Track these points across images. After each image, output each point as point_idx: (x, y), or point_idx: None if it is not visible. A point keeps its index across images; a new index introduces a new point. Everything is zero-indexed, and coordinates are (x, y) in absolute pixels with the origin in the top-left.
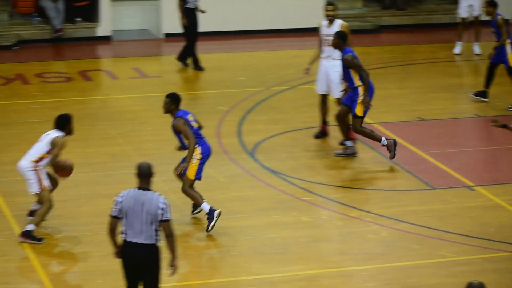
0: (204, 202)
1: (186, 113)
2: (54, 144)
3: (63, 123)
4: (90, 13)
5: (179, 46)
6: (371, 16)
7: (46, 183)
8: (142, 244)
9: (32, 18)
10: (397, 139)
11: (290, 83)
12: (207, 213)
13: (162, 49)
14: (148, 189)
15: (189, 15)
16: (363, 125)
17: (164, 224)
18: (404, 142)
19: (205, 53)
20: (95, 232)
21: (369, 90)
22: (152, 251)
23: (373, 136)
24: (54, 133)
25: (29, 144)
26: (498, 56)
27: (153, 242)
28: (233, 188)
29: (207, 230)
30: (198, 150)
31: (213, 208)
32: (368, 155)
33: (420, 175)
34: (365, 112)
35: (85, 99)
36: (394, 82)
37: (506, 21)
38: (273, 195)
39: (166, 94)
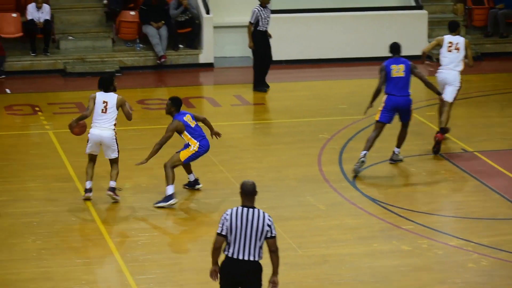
0: (171, 185)
1: (184, 114)
2: (120, 104)
3: (108, 83)
4: (193, 40)
5: (281, 73)
6: (473, 44)
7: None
8: (247, 260)
9: (135, 44)
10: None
11: None
12: (166, 195)
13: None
14: (253, 207)
15: (260, 37)
16: None
17: (271, 241)
18: (506, 171)
19: (307, 81)
20: (196, 259)
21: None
22: (255, 267)
23: None
24: (111, 96)
25: (129, 171)
26: None
27: (257, 258)
28: (333, 216)
29: (154, 204)
30: (197, 144)
31: (174, 195)
32: (469, 183)
33: None
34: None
35: None
36: (495, 110)
37: None
38: (373, 223)
39: (256, 120)
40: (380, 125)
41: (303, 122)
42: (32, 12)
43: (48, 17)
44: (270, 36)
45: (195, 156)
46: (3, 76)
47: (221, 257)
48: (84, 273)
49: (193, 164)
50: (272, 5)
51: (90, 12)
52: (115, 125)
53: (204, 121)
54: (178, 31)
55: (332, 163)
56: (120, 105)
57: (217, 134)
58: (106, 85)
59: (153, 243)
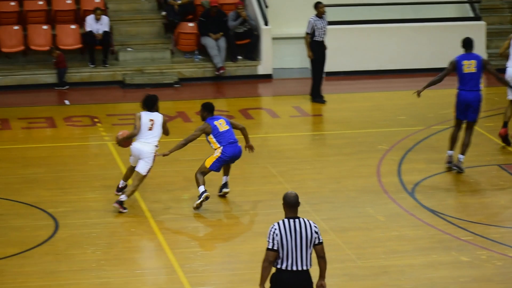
0: (202, 185)
1: (216, 119)
2: (165, 122)
3: (152, 102)
4: (251, 52)
5: (339, 84)
6: None
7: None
8: (301, 271)
9: (193, 56)
10: None
11: (450, 122)
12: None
13: (323, 88)
14: (298, 217)
15: (317, 48)
16: None
17: (319, 247)
18: None
19: (366, 92)
20: (255, 270)
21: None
22: (308, 276)
23: None
24: (157, 115)
25: (188, 181)
26: None
27: (309, 267)
28: (392, 227)
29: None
30: (220, 150)
31: (205, 191)
32: None
33: None
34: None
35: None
36: None
37: None
38: (432, 234)
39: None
40: (458, 121)
41: (362, 133)
42: (91, 23)
43: (107, 29)
44: (325, 47)
45: (218, 162)
46: (67, 87)
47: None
48: (143, 284)
49: (251, 175)
50: (331, 16)
51: (149, 24)
52: (157, 145)
53: (242, 130)
54: (237, 42)
55: (391, 174)
56: (163, 125)
57: (250, 148)
58: (151, 104)
59: (212, 254)
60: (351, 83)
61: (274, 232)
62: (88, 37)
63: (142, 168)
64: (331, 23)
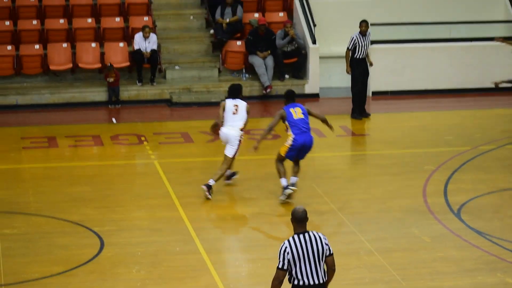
0: (283, 178)
1: (293, 106)
2: (248, 109)
3: (237, 91)
4: (299, 70)
5: (387, 104)
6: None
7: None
8: (318, 284)
9: (241, 74)
10: None
11: (497, 142)
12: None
13: (369, 107)
14: (306, 231)
15: (357, 65)
16: None
17: (330, 258)
18: None
19: (413, 112)
20: None
21: None
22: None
23: None
24: (240, 101)
25: (234, 200)
26: None
27: (324, 280)
28: (438, 248)
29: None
30: (291, 138)
31: (288, 186)
32: None
33: None
34: None
35: None
36: None
37: None
38: (478, 256)
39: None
40: None
41: (409, 153)
42: (139, 41)
43: (155, 47)
44: (371, 64)
45: (291, 150)
46: (119, 106)
47: None
48: None
49: (297, 195)
50: (379, 35)
51: (197, 42)
52: (243, 128)
53: (324, 121)
54: (284, 61)
55: (437, 194)
56: (247, 111)
57: (330, 127)
58: (236, 92)
59: (256, 273)
60: (398, 102)
61: (285, 251)
62: (136, 55)
63: (229, 151)
64: (379, 42)
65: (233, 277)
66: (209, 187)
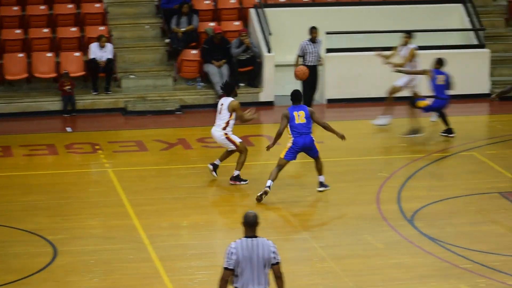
0: (270, 180)
1: (298, 108)
2: (232, 108)
3: (230, 88)
4: (254, 79)
5: (341, 112)
6: None
7: (237, 138)
8: None
9: (196, 83)
10: None
11: (451, 149)
12: (266, 187)
13: (324, 115)
14: (256, 236)
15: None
16: None
17: (276, 267)
18: None
19: (367, 119)
20: None
21: None
22: None
23: None
24: (226, 100)
25: (189, 208)
26: None
27: (266, 286)
28: (391, 255)
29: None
30: (291, 140)
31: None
32: None
33: None
34: None
35: (246, 164)
36: None
37: None
38: (431, 262)
39: None
40: None
41: (363, 160)
42: (94, 51)
43: (110, 56)
44: (321, 64)
45: (291, 151)
46: (75, 114)
47: None
48: None
49: (250, 202)
50: (334, 44)
51: (152, 51)
52: (225, 127)
53: (325, 128)
54: (240, 69)
55: (390, 201)
56: (232, 110)
57: (342, 137)
58: (229, 90)
59: (210, 281)
60: (353, 110)
61: (231, 251)
62: (91, 64)
63: (229, 147)
64: (335, 50)
65: (186, 284)
66: (234, 178)
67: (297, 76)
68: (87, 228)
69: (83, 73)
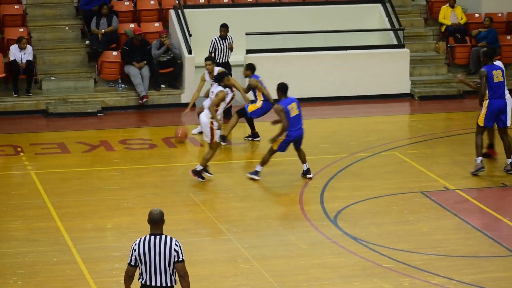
0: (259, 165)
1: (289, 102)
2: (217, 95)
3: (220, 77)
4: (175, 80)
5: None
6: (456, 82)
7: (217, 134)
8: (159, 286)
9: (117, 85)
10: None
11: (373, 149)
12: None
13: None
14: (161, 234)
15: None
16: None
17: (179, 265)
18: (487, 208)
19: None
20: None
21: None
22: None
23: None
24: (216, 87)
25: (112, 210)
26: None
27: (170, 284)
28: (314, 255)
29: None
30: (286, 133)
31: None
32: (451, 221)
33: (503, 241)
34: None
35: (169, 165)
36: None
37: None
38: (355, 262)
39: None
40: (483, 129)
41: (286, 161)
42: (14, 52)
43: (30, 58)
44: (231, 49)
45: (285, 143)
46: None
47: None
48: None
49: (173, 204)
50: (255, 45)
51: (73, 53)
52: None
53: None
54: (160, 71)
55: (313, 202)
56: (219, 97)
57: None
58: (219, 78)
59: (134, 282)
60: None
61: (133, 248)
62: (12, 66)
63: (206, 138)
64: (255, 51)
65: (110, 286)
66: (196, 172)
67: (179, 138)
68: (10, 231)
69: (3, 75)
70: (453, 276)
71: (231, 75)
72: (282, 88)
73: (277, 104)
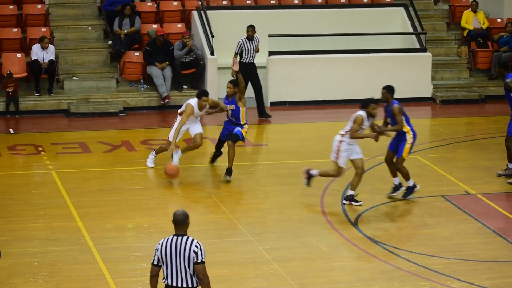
0: (410, 180)
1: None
2: (354, 120)
3: (366, 103)
4: (197, 81)
5: (285, 114)
6: (477, 86)
7: (342, 158)
8: (181, 287)
9: (139, 85)
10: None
11: None
12: (408, 187)
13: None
14: (184, 235)
15: (244, 69)
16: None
17: (198, 266)
18: (508, 213)
19: (311, 122)
20: None
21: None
22: None
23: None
24: (358, 112)
25: (133, 211)
26: None
27: (192, 285)
28: (335, 258)
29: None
30: (411, 135)
31: (415, 184)
32: (471, 225)
33: None
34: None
35: (191, 166)
36: (497, 152)
37: None
38: (375, 265)
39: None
40: None
41: (306, 163)
42: (36, 52)
43: (52, 58)
44: (255, 70)
45: (412, 147)
46: (19, 116)
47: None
48: None
49: (195, 205)
50: (277, 47)
51: (95, 53)
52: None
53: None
54: (183, 72)
55: (334, 204)
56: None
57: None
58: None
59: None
60: (296, 113)
61: (156, 248)
62: (34, 66)
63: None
64: (277, 53)
65: (130, 287)
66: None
67: (170, 175)
68: (30, 230)
69: (25, 74)
70: (473, 281)
71: (257, 75)
72: (391, 89)
73: (394, 105)
